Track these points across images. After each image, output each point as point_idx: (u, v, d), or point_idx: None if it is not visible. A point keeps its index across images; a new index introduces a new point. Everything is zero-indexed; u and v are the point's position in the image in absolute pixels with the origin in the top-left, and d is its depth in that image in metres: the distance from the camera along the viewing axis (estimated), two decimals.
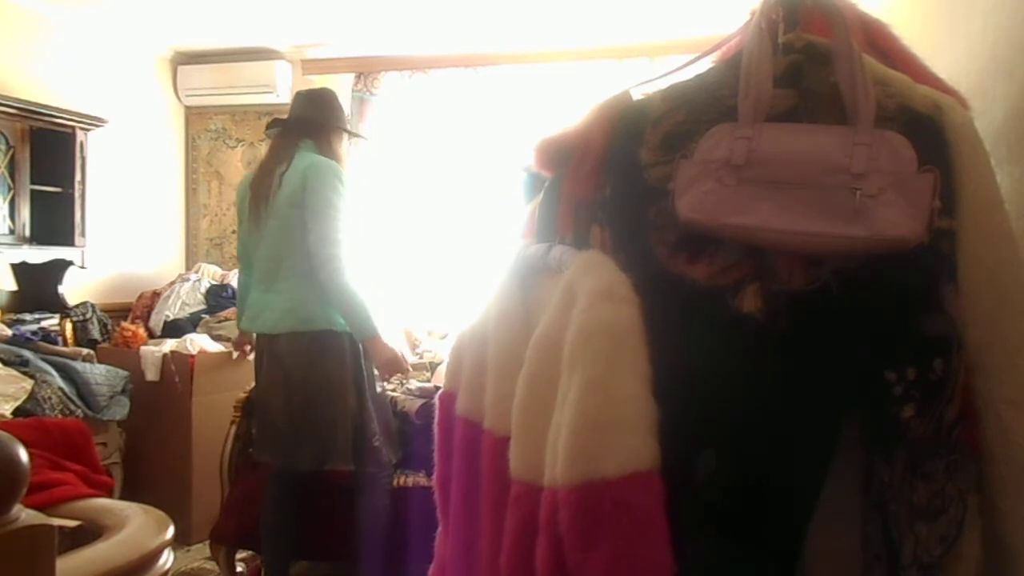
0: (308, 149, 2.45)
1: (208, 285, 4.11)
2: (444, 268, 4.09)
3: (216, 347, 3.63)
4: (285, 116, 2.61)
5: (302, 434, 2.35)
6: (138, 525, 1.76)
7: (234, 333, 3.76)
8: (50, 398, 2.91)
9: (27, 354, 3.06)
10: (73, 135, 3.53)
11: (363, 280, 2.38)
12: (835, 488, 0.87)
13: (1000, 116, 1.15)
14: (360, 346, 2.42)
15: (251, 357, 2.69)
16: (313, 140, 2.48)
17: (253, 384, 2.89)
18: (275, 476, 2.49)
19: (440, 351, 3.35)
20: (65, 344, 3.46)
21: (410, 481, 2.57)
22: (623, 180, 0.92)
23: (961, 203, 0.84)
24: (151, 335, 3.81)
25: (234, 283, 4.18)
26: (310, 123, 2.51)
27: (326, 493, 2.57)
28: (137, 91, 4.29)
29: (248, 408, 2.82)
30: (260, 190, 2.44)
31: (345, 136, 2.61)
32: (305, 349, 2.35)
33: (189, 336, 3.62)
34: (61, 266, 3.59)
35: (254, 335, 2.61)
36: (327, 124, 2.53)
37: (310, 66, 4.28)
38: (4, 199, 3.30)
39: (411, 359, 3.16)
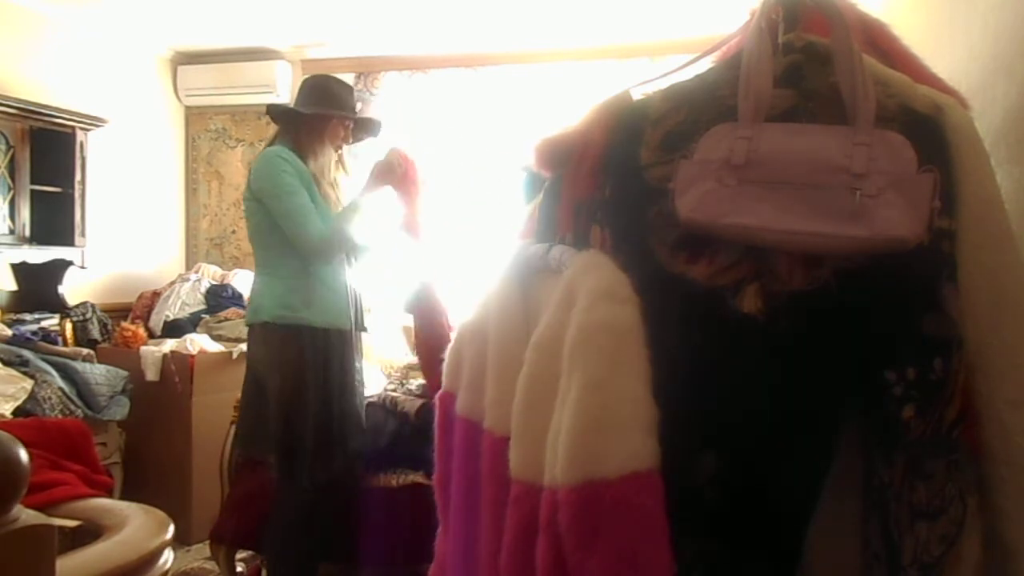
0: (280, 143, 2.45)
1: (208, 285, 4.10)
2: (444, 267, 4.08)
3: (216, 347, 3.63)
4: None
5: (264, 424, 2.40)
6: (138, 525, 1.76)
7: (233, 333, 3.78)
8: (50, 398, 2.90)
9: (27, 354, 3.06)
10: (73, 135, 3.53)
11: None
12: (835, 488, 0.87)
13: (1000, 116, 1.15)
14: (343, 352, 2.44)
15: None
16: (291, 133, 2.46)
17: None
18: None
19: None
20: (65, 344, 3.46)
21: (409, 480, 2.56)
22: (623, 180, 0.91)
23: (961, 203, 0.84)
24: (151, 335, 3.81)
25: (234, 283, 4.18)
26: (288, 113, 2.52)
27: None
28: (137, 91, 4.29)
29: None
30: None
31: (333, 122, 2.50)
32: (260, 340, 2.42)
33: (189, 336, 3.62)
34: (61, 266, 3.59)
35: None
36: (300, 115, 2.45)
37: (310, 66, 4.27)
38: (4, 199, 3.30)
39: (411, 359, 3.16)
